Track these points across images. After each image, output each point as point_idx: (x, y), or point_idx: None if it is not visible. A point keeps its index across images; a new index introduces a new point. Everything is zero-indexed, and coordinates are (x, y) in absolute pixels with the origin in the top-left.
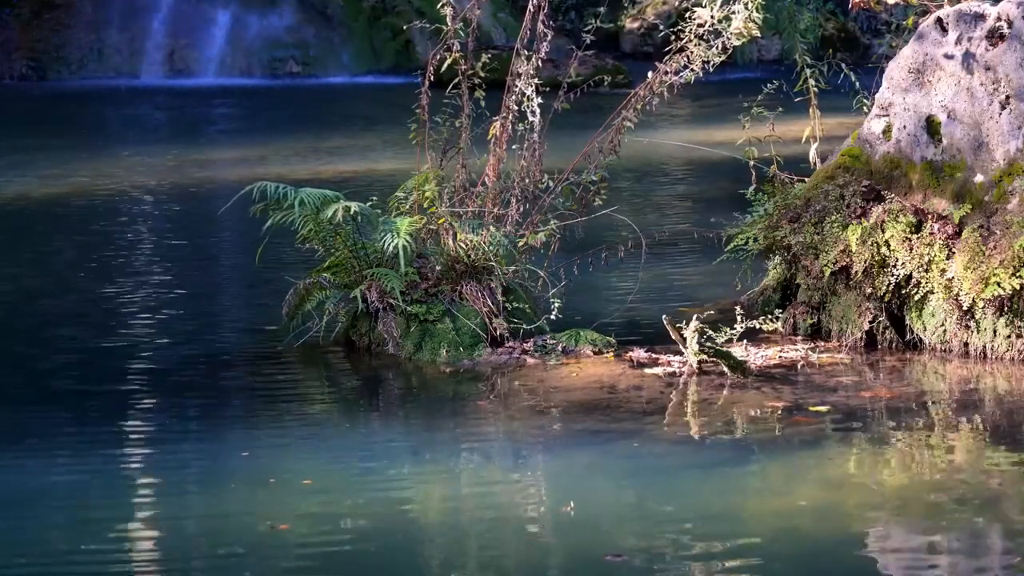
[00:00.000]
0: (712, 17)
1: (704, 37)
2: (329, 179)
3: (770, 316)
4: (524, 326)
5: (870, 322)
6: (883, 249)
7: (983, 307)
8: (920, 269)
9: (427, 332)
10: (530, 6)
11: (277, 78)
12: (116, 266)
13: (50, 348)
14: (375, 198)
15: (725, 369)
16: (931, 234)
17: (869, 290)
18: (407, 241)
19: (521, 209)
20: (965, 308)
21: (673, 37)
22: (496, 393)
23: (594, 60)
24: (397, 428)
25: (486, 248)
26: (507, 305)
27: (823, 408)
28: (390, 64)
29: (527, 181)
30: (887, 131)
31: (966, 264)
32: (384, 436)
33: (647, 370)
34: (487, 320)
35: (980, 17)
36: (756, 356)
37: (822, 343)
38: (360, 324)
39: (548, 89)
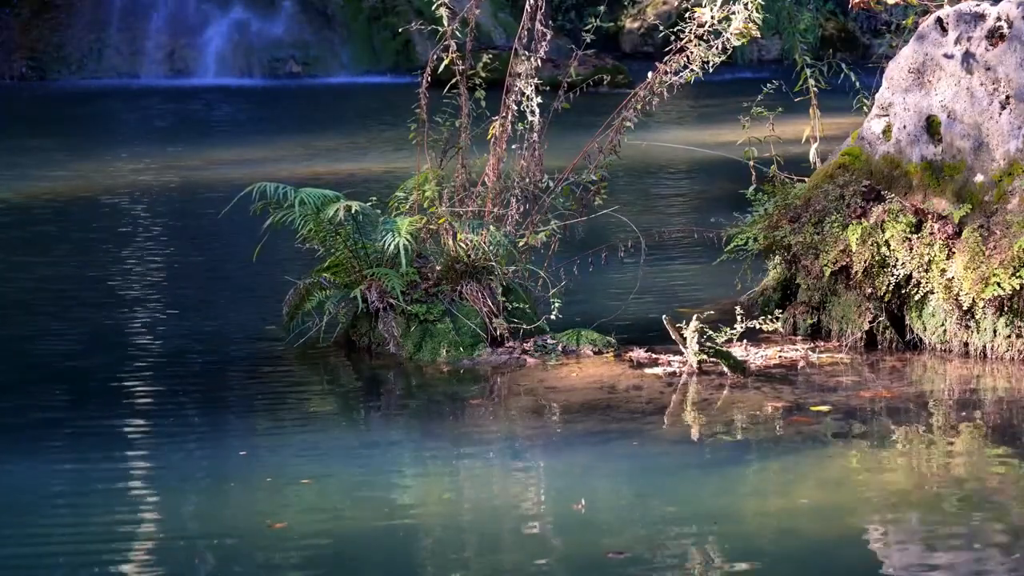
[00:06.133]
0: (712, 17)
1: (704, 37)
2: (329, 179)
3: (770, 316)
4: (524, 326)
5: (870, 322)
6: (883, 249)
7: (983, 307)
8: (920, 269)
9: (427, 332)
10: (527, 6)
11: (277, 78)
12: (115, 266)
13: (48, 346)
14: (375, 198)
15: (725, 369)
16: (931, 234)
17: (869, 290)
18: (407, 240)
19: (521, 209)
20: (965, 308)
21: (673, 37)
22: (496, 393)
23: (594, 60)
24: (397, 428)
25: (486, 248)
26: (507, 305)
27: (823, 408)
28: (390, 64)
29: (527, 181)
30: (887, 131)
31: (966, 264)
32: (384, 436)
33: (647, 370)
34: (487, 320)
35: (980, 17)
36: (756, 356)
37: (822, 343)
38: (360, 324)
39: (548, 89)
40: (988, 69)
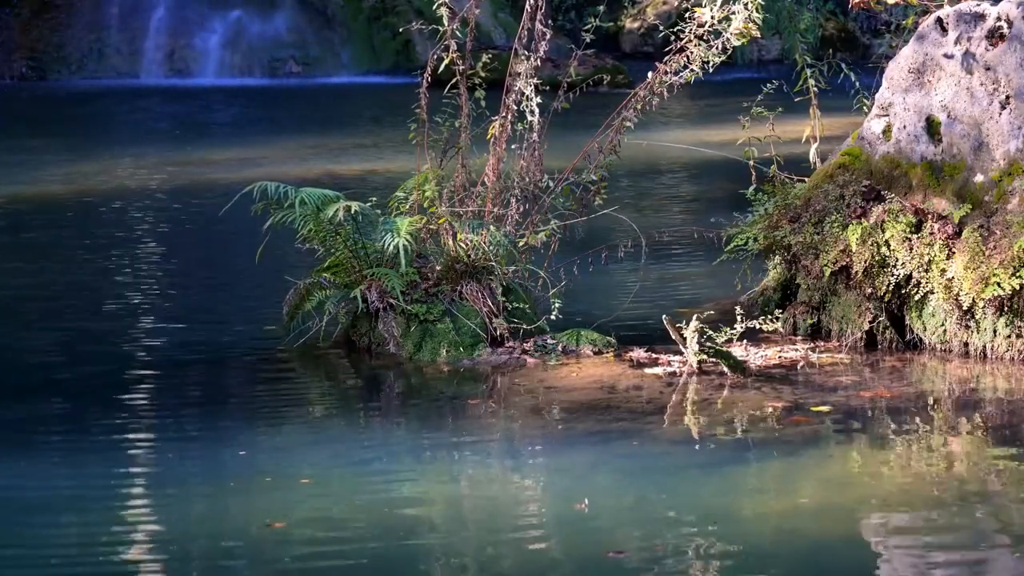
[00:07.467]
0: (712, 17)
1: (704, 37)
2: (329, 179)
3: (770, 316)
4: (524, 326)
5: (870, 322)
6: (883, 249)
7: (983, 307)
8: (920, 269)
9: (427, 332)
10: (527, 6)
11: (277, 78)
12: (115, 266)
13: (48, 347)
14: (375, 198)
15: (725, 369)
16: (931, 234)
17: (869, 290)
18: (407, 240)
19: (521, 209)
20: (965, 308)
21: (673, 37)
22: (496, 393)
23: (594, 60)
24: (397, 428)
25: (486, 248)
26: (507, 305)
27: (823, 408)
28: (390, 64)
29: (527, 181)
30: (887, 131)
31: (966, 264)
32: (384, 436)
33: (647, 370)
34: (487, 320)
35: (980, 17)
36: (756, 356)
37: (822, 343)
38: (360, 324)
39: (548, 89)
40: (988, 69)
